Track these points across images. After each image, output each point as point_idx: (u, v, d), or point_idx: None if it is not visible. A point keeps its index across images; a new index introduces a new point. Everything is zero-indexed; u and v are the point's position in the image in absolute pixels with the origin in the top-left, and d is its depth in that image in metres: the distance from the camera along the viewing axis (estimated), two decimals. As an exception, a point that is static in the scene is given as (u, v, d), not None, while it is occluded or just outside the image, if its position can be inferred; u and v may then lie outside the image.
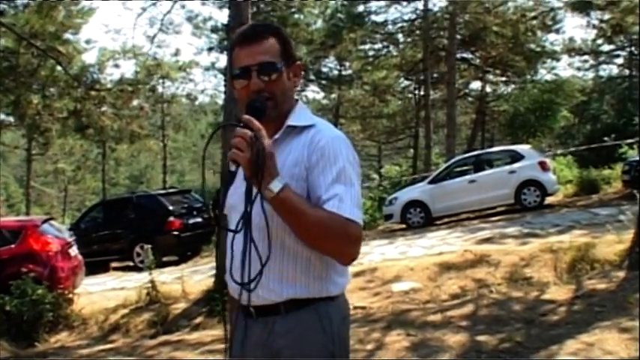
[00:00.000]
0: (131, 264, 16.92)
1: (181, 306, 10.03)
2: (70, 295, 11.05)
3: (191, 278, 12.58)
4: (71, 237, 13.05)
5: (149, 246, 14.15)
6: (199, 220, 17.81)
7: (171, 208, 17.15)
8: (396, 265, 10.93)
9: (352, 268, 11.30)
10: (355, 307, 8.90)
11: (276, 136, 2.29)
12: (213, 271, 13.20)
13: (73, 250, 12.55)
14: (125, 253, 16.93)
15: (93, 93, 19.95)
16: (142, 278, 12.39)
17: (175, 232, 16.80)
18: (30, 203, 35.30)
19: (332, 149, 2.23)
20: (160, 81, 28.57)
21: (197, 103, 36.54)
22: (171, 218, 16.89)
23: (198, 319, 9.44)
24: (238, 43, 2.31)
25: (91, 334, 9.96)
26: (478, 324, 7.07)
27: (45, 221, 12.59)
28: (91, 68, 21.92)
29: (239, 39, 2.32)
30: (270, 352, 2.30)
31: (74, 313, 10.57)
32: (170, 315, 9.77)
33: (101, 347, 8.86)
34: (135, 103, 24.93)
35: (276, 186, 2.08)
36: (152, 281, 10.59)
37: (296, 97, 2.45)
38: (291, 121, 2.32)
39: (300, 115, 2.34)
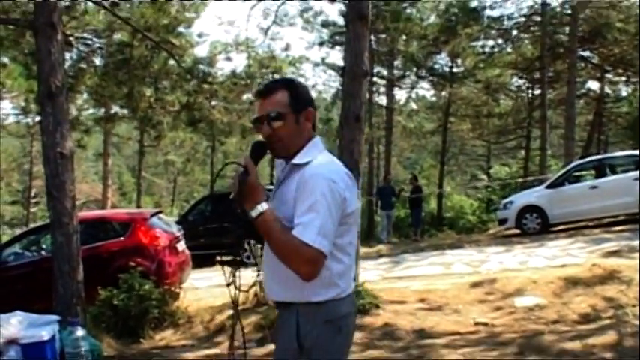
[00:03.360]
0: (238, 258, 16.55)
1: (290, 309, 9.43)
2: (177, 291, 10.66)
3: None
4: (179, 231, 12.68)
5: (254, 243, 13.63)
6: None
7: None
8: (517, 277, 10.03)
9: (470, 278, 10.61)
10: (477, 323, 8.13)
11: (285, 172, 2.89)
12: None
13: (181, 245, 12.19)
14: (234, 247, 16.53)
15: (205, 86, 19.72)
16: (247, 275, 11.86)
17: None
18: (141, 193, 35.79)
19: (310, 184, 2.68)
20: (271, 75, 28.25)
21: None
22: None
23: (309, 325, 8.80)
24: (256, 98, 3.00)
25: (196, 333, 9.47)
26: (625, 357, 6.14)
27: (154, 214, 12.28)
28: (203, 61, 21.65)
29: (256, 94, 3.05)
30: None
31: (180, 310, 10.12)
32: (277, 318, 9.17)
33: (206, 352, 8.32)
34: (245, 97, 24.69)
35: (255, 212, 2.72)
36: (260, 282, 10.00)
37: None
38: (296, 159, 2.82)
39: (305, 154, 2.82)
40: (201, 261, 15.11)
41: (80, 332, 7.73)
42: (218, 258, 16.46)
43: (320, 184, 2.67)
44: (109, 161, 24.73)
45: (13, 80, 15.44)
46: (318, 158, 2.80)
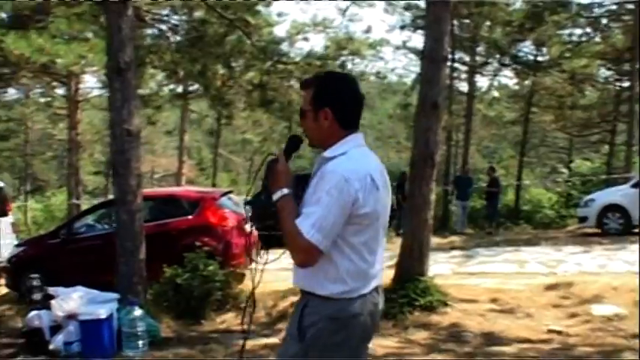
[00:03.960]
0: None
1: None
2: (242, 273, 10.38)
3: (367, 267, 11.61)
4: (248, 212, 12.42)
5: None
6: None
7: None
8: (596, 282, 9.38)
9: (545, 279, 9.98)
10: (550, 331, 7.57)
11: (318, 164, 2.96)
12: (391, 262, 12.20)
13: (249, 226, 11.91)
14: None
15: (279, 66, 19.29)
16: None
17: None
18: (217, 169, 35.90)
19: (325, 178, 2.78)
20: (350, 57, 27.65)
21: (386, 81, 35.42)
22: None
23: (374, 321, 8.38)
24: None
25: (258, 319, 9.11)
26: None
27: (224, 194, 12.01)
28: (281, 41, 21.17)
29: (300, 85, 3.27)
30: None
31: (243, 293, 9.80)
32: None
33: (264, 341, 7.97)
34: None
35: (276, 195, 2.92)
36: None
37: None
38: (326, 152, 2.93)
39: (336, 148, 2.90)
40: (271, 242, 14.86)
41: (138, 312, 7.56)
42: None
43: (331, 180, 2.76)
44: (185, 137, 24.70)
45: (94, 54, 15.35)
46: (348, 154, 2.87)
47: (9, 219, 13.94)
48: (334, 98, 2.95)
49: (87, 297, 7.72)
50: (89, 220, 12.16)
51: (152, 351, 7.45)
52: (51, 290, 8.15)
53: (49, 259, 11.33)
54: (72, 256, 11.10)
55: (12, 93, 28.12)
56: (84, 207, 20.66)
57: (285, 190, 2.90)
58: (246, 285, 10.00)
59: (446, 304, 8.40)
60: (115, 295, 7.92)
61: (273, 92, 20.64)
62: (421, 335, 7.61)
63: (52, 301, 7.70)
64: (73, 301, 7.60)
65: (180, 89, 23.65)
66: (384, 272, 8.93)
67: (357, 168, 2.81)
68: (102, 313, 7.34)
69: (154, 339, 7.68)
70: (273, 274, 10.94)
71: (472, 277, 10.55)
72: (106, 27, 8.47)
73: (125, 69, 8.02)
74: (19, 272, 11.29)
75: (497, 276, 10.56)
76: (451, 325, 7.86)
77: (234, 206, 11.83)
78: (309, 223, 2.75)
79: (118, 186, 8.39)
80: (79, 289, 7.97)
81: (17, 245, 12.40)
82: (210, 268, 9.34)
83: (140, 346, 7.36)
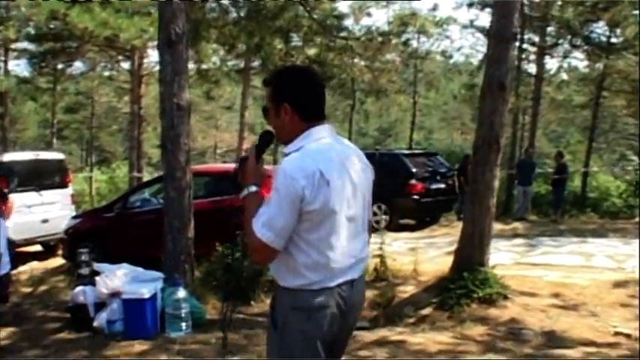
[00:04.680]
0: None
1: (410, 289, 8.54)
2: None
3: (425, 252, 11.11)
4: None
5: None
6: (442, 185, 16.33)
7: (414, 170, 15.78)
8: (669, 280, 8.64)
9: (612, 275, 9.26)
10: (617, 333, 6.98)
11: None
12: (450, 248, 11.68)
13: None
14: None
15: (340, 42, 18.71)
16: (374, 242, 11.15)
17: (416, 196, 15.47)
18: (278, 146, 35.63)
19: (275, 177, 2.78)
20: (415, 35, 26.85)
21: (452, 61, 34.51)
22: (414, 181, 15.55)
23: (427, 310, 7.90)
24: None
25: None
26: None
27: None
28: (341, 16, 20.45)
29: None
30: None
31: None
32: (396, 298, 8.32)
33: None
34: (388, 57, 23.46)
35: (243, 193, 2.95)
36: (382, 256, 9.19)
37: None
38: (285, 149, 2.94)
39: (294, 144, 2.90)
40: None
41: (182, 294, 7.24)
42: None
43: (278, 177, 2.77)
44: (246, 113, 24.37)
45: (155, 28, 15.19)
46: (302, 149, 2.86)
47: (68, 190, 13.91)
48: (291, 92, 2.95)
49: (131, 275, 7.46)
50: (145, 194, 11.98)
51: (195, 333, 7.16)
52: (96, 266, 7.94)
53: (104, 232, 11.30)
54: (126, 231, 11.02)
55: (79, 67, 28.32)
56: (145, 179, 20.67)
57: (253, 188, 2.94)
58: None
59: (506, 297, 7.87)
60: (160, 275, 7.65)
61: (334, 69, 20.06)
62: (478, 330, 7.10)
63: (97, 278, 7.48)
64: (117, 278, 7.36)
65: (241, 65, 23.28)
66: (443, 258, 8.48)
67: (304, 164, 2.79)
68: (145, 292, 7.06)
69: (198, 321, 7.38)
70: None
71: (534, 269, 9.92)
72: (158, -3, 8.11)
73: (176, 41, 7.67)
74: (75, 244, 11.25)
75: (561, 269, 9.91)
76: (510, 321, 7.33)
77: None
78: (260, 222, 2.78)
79: (166, 162, 8.09)
80: (124, 266, 7.73)
81: (74, 217, 12.32)
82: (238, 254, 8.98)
83: (183, 328, 7.07)
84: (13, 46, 24.15)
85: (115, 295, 7.24)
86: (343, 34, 19.69)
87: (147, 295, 7.06)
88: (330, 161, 2.86)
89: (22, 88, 23.59)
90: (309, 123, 2.94)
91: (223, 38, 18.07)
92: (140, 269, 7.71)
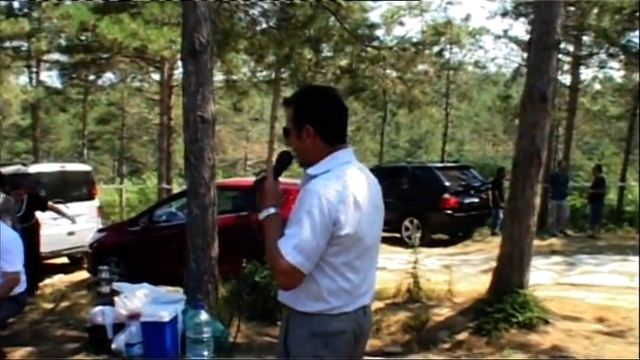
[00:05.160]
0: (398, 236, 15.39)
1: (444, 312, 8.02)
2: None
3: (460, 270, 10.59)
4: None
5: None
6: (476, 200, 15.83)
7: (447, 184, 15.32)
8: None
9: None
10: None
11: (304, 181, 2.88)
12: (485, 266, 11.18)
13: None
14: (393, 224, 15.39)
15: (371, 51, 18.26)
16: (405, 259, 10.67)
17: (449, 211, 15.01)
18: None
19: (305, 197, 2.70)
20: (448, 46, 26.32)
21: (484, 72, 33.83)
22: (447, 195, 15.11)
23: (462, 335, 7.37)
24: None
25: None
26: None
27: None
28: (374, 25, 19.98)
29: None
30: None
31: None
32: (430, 321, 7.81)
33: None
34: (420, 67, 22.99)
35: (262, 215, 2.87)
36: (415, 276, 8.69)
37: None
38: (309, 170, 2.87)
39: (320, 166, 2.81)
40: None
41: (204, 317, 6.77)
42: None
43: (311, 199, 2.68)
44: (276, 124, 24.01)
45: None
46: (331, 172, 2.78)
47: (95, 203, 13.67)
48: (314, 114, 2.87)
49: (151, 296, 7.05)
50: (171, 208, 11.64)
51: (218, 357, 6.73)
52: (115, 286, 7.55)
53: (129, 246, 11.03)
54: (151, 245, 10.69)
55: (110, 78, 28.32)
56: (175, 191, 20.41)
57: (272, 210, 2.86)
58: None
59: (547, 322, 7.33)
60: (181, 296, 7.25)
61: (365, 80, 19.59)
62: (518, 358, 6.59)
63: (116, 299, 7.08)
64: (136, 299, 6.96)
65: (272, 76, 22.98)
66: (479, 277, 7.95)
67: (339, 188, 2.72)
68: (165, 315, 6.64)
69: (222, 345, 6.94)
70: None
71: (575, 290, 9.37)
72: (181, 4, 7.72)
73: (200, 51, 7.27)
74: (100, 258, 10.99)
75: (603, 289, 9.36)
76: (552, 348, 6.80)
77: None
78: (290, 245, 2.67)
79: (189, 177, 7.67)
80: (145, 286, 7.33)
81: (99, 230, 12.02)
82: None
83: (205, 354, 6.61)
84: (45, 57, 24.17)
85: (133, 317, 6.84)
86: (375, 43, 19.22)
87: (167, 319, 6.64)
88: (360, 186, 2.81)
89: (53, 99, 23.57)
90: (332, 146, 2.88)
91: (252, 49, 17.72)
92: (162, 290, 7.32)
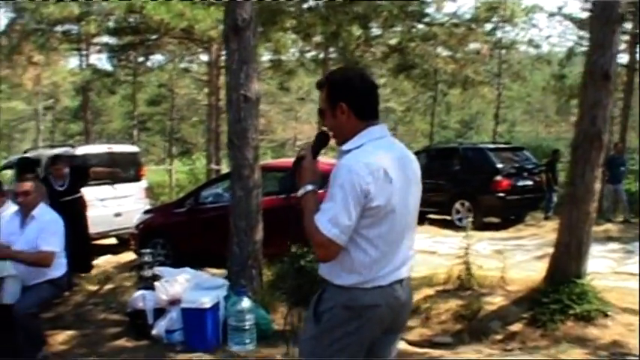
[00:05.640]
0: (448, 218, 14.97)
1: (497, 301, 7.59)
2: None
3: (512, 256, 10.16)
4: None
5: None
6: (529, 182, 15.27)
7: (499, 165, 14.80)
8: None
9: None
10: None
11: (338, 157, 2.98)
12: (539, 252, 10.71)
13: None
14: (444, 207, 14.98)
15: (420, 27, 17.67)
16: (456, 243, 10.30)
17: (501, 194, 14.49)
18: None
19: (337, 173, 2.81)
20: (500, 25, 25.51)
21: (537, 52, 32.82)
22: (499, 177, 14.59)
23: (516, 326, 6.97)
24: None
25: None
26: None
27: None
28: (424, 1, 19.28)
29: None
30: None
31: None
32: (482, 310, 7.41)
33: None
34: (472, 46, 22.30)
35: (300, 191, 2.95)
36: (466, 263, 8.27)
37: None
38: (342, 146, 2.96)
39: (352, 142, 2.92)
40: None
41: (246, 304, 6.50)
42: (430, 216, 15.05)
43: (342, 174, 2.79)
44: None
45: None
46: (363, 147, 2.87)
47: (142, 184, 13.54)
48: (347, 91, 2.96)
49: (193, 281, 6.82)
50: (217, 189, 11.41)
51: (260, 347, 6.46)
52: (157, 270, 7.35)
53: (174, 228, 10.84)
54: (197, 227, 10.50)
55: (159, 59, 28.29)
56: (224, 172, 20.25)
57: (309, 187, 2.94)
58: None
59: (606, 315, 6.87)
60: (224, 282, 7.00)
61: (415, 58, 18.96)
62: (575, 353, 6.16)
63: (157, 283, 6.88)
64: (177, 284, 6.74)
65: (320, 55, 22.55)
66: (533, 264, 7.51)
67: (369, 161, 2.80)
68: (206, 302, 6.40)
69: (264, 333, 6.67)
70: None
71: (634, 279, 8.83)
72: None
73: (243, 27, 6.95)
74: (146, 239, 10.88)
75: (665, 279, 8.82)
76: (612, 344, 6.36)
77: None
78: (325, 219, 2.77)
79: (233, 159, 7.39)
80: (186, 270, 7.12)
81: (145, 212, 11.88)
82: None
83: (247, 342, 6.37)
84: (94, 40, 24.21)
85: (174, 302, 6.63)
86: (426, 20, 18.61)
87: (207, 305, 6.40)
88: (393, 159, 2.89)
89: (103, 82, 23.61)
90: (366, 121, 2.96)
91: (299, 27, 17.29)
92: (204, 275, 7.09)
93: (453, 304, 7.65)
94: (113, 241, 13.26)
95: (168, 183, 26.68)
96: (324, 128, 3.09)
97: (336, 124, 2.98)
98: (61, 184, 9.84)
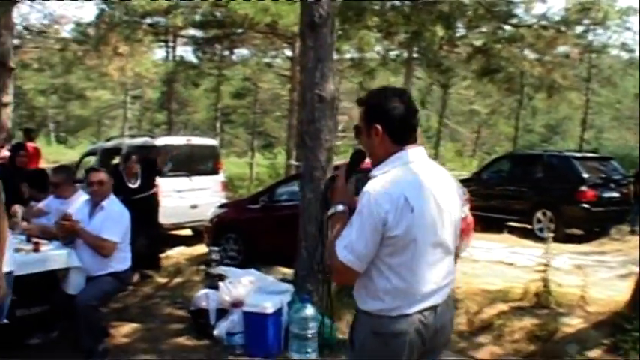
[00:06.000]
0: (529, 227, 14.34)
1: (575, 323, 7.08)
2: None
3: (594, 273, 9.54)
4: (464, 195, 10.66)
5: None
6: (616, 194, 14.45)
7: (585, 175, 14.06)
8: None
9: None
10: None
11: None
12: (623, 270, 10.06)
13: (464, 211, 10.13)
14: (525, 215, 14.38)
15: (507, 30, 16.89)
16: (535, 254, 9.78)
17: (585, 205, 13.76)
18: (442, 139, 34.19)
19: (359, 200, 2.77)
20: (591, 27, 24.41)
21: (630, 56, 31.38)
22: (584, 188, 13.85)
23: (594, 352, 6.45)
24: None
25: (456, 325, 7.50)
26: None
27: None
28: (512, 1, 18.47)
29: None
30: None
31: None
32: (558, 331, 6.92)
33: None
34: (560, 49, 21.35)
35: (330, 211, 2.96)
36: (545, 280, 7.76)
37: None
38: (372, 172, 2.90)
39: (381, 166, 2.86)
40: (489, 225, 13.18)
41: (310, 311, 6.21)
42: (509, 224, 14.45)
43: (362, 200, 2.76)
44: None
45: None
46: (389, 173, 2.82)
47: (219, 177, 13.48)
48: (383, 114, 2.91)
49: (257, 284, 6.62)
50: (292, 187, 11.18)
51: (323, 356, 6.19)
52: (222, 269, 7.19)
53: (247, 224, 10.75)
54: (269, 225, 10.36)
55: (244, 53, 28.42)
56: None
57: (340, 207, 2.92)
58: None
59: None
60: (289, 287, 6.76)
61: (500, 60, 18.16)
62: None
63: (221, 283, 6.71)
64: (241, 286, 6.54)
65: (403, 55, 22.09)
66: (616, 283, 6.94)
67: (389, 189, 2.75)
68: (268, 306, 6.17)
69: (328, 341, 6.39)
70: (487, 266, 9.19)
71: None
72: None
73: (320, 24, 6.67)
74: (218, 234, 10.84)
75: None
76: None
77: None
78: (342, 245, 2.76)
79: (305, 160, 7.12)
80: (252, 272, 6.93)
81: (220, 206, 11.78)
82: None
83: (308, 350, 6.09)
84: (181, 33, 24.47)
85: (237, 304, 6.44)
86: (513, 21, 17.82)
87: (270, 310, 6.17)
88: (417, 187, 2.81)
89: (187, 74, 23.84)
90: (400, 146, 2.89)
91: (382, 25, 16.84)
92: (269, 278, 6.87)
93: (528, 322, 7.18)
94: (188, 232, 13.24)
95: (249, 176, 26.74)
96: (360, 147, 3.05)
97: (370, 145, 2.94)
98: (134, 182, 9.79)
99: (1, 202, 4.55)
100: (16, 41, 22.93)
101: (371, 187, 2.77)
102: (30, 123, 36.74)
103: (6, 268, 4.33)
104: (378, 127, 2.88)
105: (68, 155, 28.78)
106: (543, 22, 17.73)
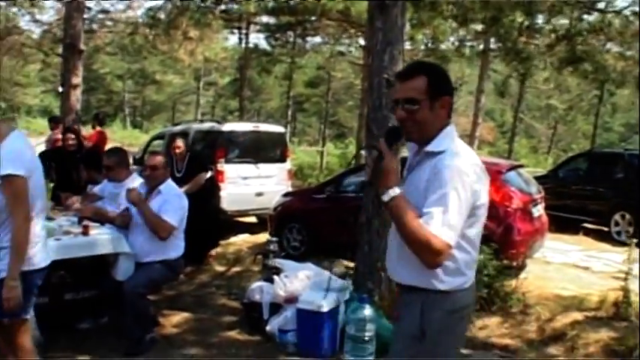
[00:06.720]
0: (605, 229, 13.48)
1: (657, 339, 6.37)
2: (520, 266, 8.28)
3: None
4: (539, 192, 9.97)
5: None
6: (702, 198, 13.40)
7: (669, 177, 13.08)
8: None
9: None
10: None
11: (418, 158, 2.83)
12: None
13: (538, 210, 9.47)
14: (602, 217, 13.49)
15: (592, 19, 15.70)
16: (613, 259, 9.05)
17: (669, 208, 12.78)
18: (516, 135, 33.04)
19: (444, 175, 2.62)
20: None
21: None
22: (668, 190, 12.87)
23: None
24: (396, 79, 2.92)
25: (525, 332, 6.91)
26: None
27: (512, 168, 9.70)
28: None
29: (397, 76, 2.97)
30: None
31: (517, 293, 7.54)
32: (636, 348, 6.21)
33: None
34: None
35: (386, 196, 2.67)
36: (625, 289, 7.04)
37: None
38: (429, 147, 2.76)
39: (438, 142, 2.74)
40: (563, 226, 12.40)
41: (368, 312, 5.66)
42: (585, 225, 13.61)
43: (452, 176, 2.63)
44: (482, 98, 22.27)
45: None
46: (452, 148, 2.74)
47: (286, 165, 13.09)
48: (449, 86, 2.84)
49: (313, 280, 6.16)
50: (360, 177, 10.68)
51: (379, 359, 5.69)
52: (278, 262, 6.76)
53: (312, 214, 10.32)
54: (333, 215, 9.87)
55: (318, 41, 28.01)
56: (371, 160, 19.61)
57: (397, 190, 2.68)
58: (523, 282, 7.76)
59: None
60: (346, 284, 6.26)
61: (584, 49, 16.97)
62: None
63: (275, 277, 6.28)
64: (297, 281, 6.10)
65: (479, 46, 21.25)
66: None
67: (470, 160, 2.72)
68: (323, 305, 5.70)
69: (386, 345, 5.86)
70: (560, 270, 8.42)
71: None
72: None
73: (390, 4, 6.14)
74: (282, 223, 10.51)
75: None
76: None
77: (522, 183, 9.56)
78: (439, 224, 2.59)
79: (369, 150, 6.62)
80: (309, 267, 6.48)
81: (284, 195, 11.41)
82: (481, 256, 7.20)
83: (365, 354, 5.60)
84: (255, 20, 24.19)
85: (291, 300, 5.99)
86: (601, 5, 16.54)
87: (325, 309, 5.70)
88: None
89: (259, 61, 23.57)
90: (449, 119, 2.84)
91: (458, 12, 16.00)
92: (326, 274, 6.37)
93: (605, 335, 6.51)
94: (253, 219, 12.94)
95: (319, 165, 26.40)
96: (396, 123, 2.84)
97: (430, 119, 2.77)
98: (179, 170, 9.14)
99: (26, 203, 3.73)
100: (94, 25, 23.16)
101: (457, 162, 2.66)
102: (107, 107, 37.36)
103: (42, 264, 3.97)
104: (447, 98, 2.80)
105: (141, 139, 29.00)
106: (634, 8, 16.45)
